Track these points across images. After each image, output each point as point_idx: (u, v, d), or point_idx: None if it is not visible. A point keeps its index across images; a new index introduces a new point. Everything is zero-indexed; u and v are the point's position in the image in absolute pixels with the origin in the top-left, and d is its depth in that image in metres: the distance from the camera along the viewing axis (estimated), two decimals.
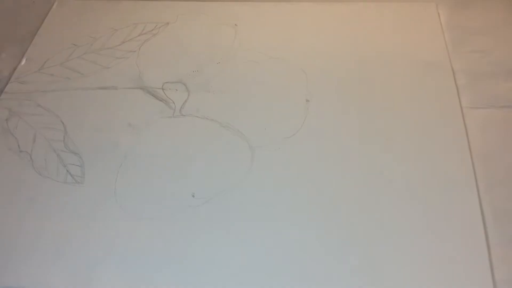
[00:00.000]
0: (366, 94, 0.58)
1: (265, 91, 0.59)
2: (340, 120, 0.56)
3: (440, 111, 0.56)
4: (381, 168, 0.52)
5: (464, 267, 0.44)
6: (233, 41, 0.65)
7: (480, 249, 0.45)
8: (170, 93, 0.60)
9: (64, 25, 0.69)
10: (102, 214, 0.50)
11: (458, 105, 0.56)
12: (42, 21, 0.70)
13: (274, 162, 0.53)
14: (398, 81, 0.59)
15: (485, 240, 0.46)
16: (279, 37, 0.65)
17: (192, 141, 0.55)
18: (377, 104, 0.57)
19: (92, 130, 0.57)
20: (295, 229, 0.48)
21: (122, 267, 0.46)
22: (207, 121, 0.57)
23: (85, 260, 0.47)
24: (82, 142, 0.56)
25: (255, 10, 0.69)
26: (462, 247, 0.46)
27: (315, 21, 0.67)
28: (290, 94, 0.59)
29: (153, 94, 0.60)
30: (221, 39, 0.65)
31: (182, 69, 0.62)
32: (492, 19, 0.65)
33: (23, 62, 0.65)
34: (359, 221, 0.48)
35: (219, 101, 0.59)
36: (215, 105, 0.58)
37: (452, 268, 0.45)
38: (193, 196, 0.51)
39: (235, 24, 0.67)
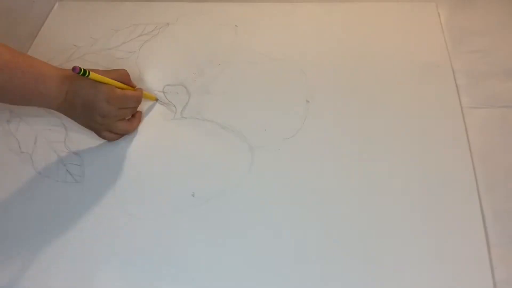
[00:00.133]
0: (366, 94, 0.58)
1: (265, 92, 0.59)
2: (340, 121, 0.56)
3: (440, 111, 0.55)
4: (381, 168, 0.51)
5: (464, 267, 0.44)
6: (233, 41, 0.65)
7: (480, 249, 0.45)
8: (171, 96, 0.60)
9: (65, 26, 0.69)
10: (102, 214, 0.50)
11: (458, 105, 0.56)
12: (43, 22, 0.70)
13: (274, 163, 0.53)
14: (398, 81, 0.59)
15: (485, 240, 0.46)
16: (279, 37, 0.65)
17: (192, 142, 0.55)
18: (377, 104, 0.57)
19: (93, 131, 0.57)
20: (295, 229, 0.48)
21: (122, 267, 0.47)
22: (208, 123, 0.57)
23: (85, 260, 0.47)
24: (82, 142, 0.56)
25: (255, 10, 0.69)
26: (462, 247, 0.46)
27: (315, 21, 0.67)
28: (290, 94, 0.59)
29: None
30: (221, 40, 0.65)
31: (182, 71, 0.62)
32: (492, 19, 0.65)
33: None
34: (359, 221, 0.48)
35: (219, 103, 0.59)
36: (216, 106, 0.58)
37: (452, 268, 0.44)
38: (193, 196, 0.51)
39: (235, 25, 0.67)
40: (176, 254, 0.47)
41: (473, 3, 0.67)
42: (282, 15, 0.68)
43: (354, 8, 0.68)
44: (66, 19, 0.70)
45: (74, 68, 0.47)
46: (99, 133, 0.54)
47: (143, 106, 0.59)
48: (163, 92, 0.60)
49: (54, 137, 0.57)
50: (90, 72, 0.48)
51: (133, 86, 0.55)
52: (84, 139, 0.56)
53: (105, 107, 0.50)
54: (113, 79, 0.51)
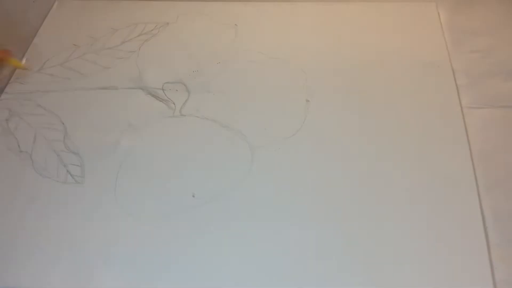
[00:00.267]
0: (366, 94, 0.58)
1: (265, 91, 0.59)
2: (340, 120, 0.56)
3: (440, 111, 0.56)
4: (381, 168, 0.52)
5: (464, 267, 0.44)
6: (233, 41, 0.65)
7: (480, 249, 0.45)
8: (170, 93, 0.60)
9: (64, 25, 0.69)
10: (102, 214, 0.50)
11: (458, 105, 0.56)
12: (42, 21, 0.70)
13: (274, 162, 0.53)
14: (398, 81, 0.59)
15: (485, 240, 0.46)
16: (279, 37, 0.65)
17: (192, 141, 0.55)
18: (377, 104, 0.57)
19: (92, 130, 0.57)
20: (295, 229, 0.48)
21: (122, 267, 0.46)
22: (207, 121, 0.57)
23: (85, 260, 0.47)
24: (82, 142, 0.55)
25: (255, 10, 0.69)
26: (462, 247, 0.46)
27: (315, 21, 0.67)
28: (290, 94, 0.59)
29: (153, 94, 0.60)
30: (221, 39, 0.65)
31: (182, 69, 0.62)
32: (492, 19, 0.65)
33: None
34: (359, 221, 0.48)
35: (219, 101, 0.59)
36: (215, 105, 0.58)
37: (452, 268, 0.45)
38: (193, 196, 0.51)
39: (235, 24, 0.67)
40: (176, 254, 0.47)
41: (473, 3, 0.67)
42: (282, 15, 0.68)
43: (354, 8, 0.68)
44: (65, 18, 0.70)
45: None
46: None
47: (142, 105, 0.58)
48: (162, 89, 0.60)
49: (54, 136, 0.57)
50: None
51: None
52: (84, 138, 0.56)
53: None
54: None
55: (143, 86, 0.61)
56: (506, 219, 0.47)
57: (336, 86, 0.59)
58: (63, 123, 0.58)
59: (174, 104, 0.59)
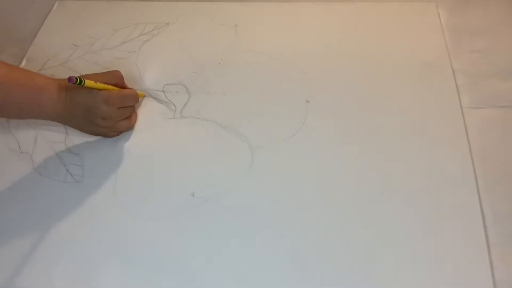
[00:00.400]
0: (366, 94, 0.58)
1: (265, 91, 0.59)
2: (340, 120, 0.56)
3: (440, 111, 0.56)
4: (381, 168, 0.52)
5: (464, 267, 0.44)
6: (233, 41, 0.65)
7: (480, 249, 0.45)
8: (171, 95, 0.60)
9: (65, 25, 0.69)
10: (102, 214, 0.50)
11: (458, 105, 0.56)
12: (42, 22, 0.70)
13: (274, 162, 0.53)
14: (398, 81, 0.59)
15: (485, 240, 0.46)
16: (279, 37, 0.65)
17: (192, 142, 0.55)
18: (377, 104, 0.57)
19: (98, 136, 0.57)
20: (295, 229, 0.48)
21: (122, 267, 0.46)
22: (208, 122, 0.57)
23: (85, 260, 0.47)
24: (82, 142, 0.55)
25: (255, 10, 0.69)
26: (462, 247, 0.46)
27: (315, 21, 0.67)
28: (290, 94, 0.59)
29: (153, 97, 0.60)
30: (221, 39, 0.65)
31: (182, 70, 0.62)
32: (492, 19, 0.65)
33: (24, 62, 0.65)
34: (359, 221, 0.48)
35: (219, 102, 0.59)
36: (216, 106, 0.58)
37: (452, 268, 0.45)
38: (193, 196, 0.51)
39: (235, 25, 0.67)
40: (176, 254, 0.47)
41: (473, 3, 0.67)
42: (282, 15, 0.68)
43: (354, 8, 0.68)
44: (65, 19, 0.70)
45: (70, 79, 0.47)
46: (105, 135, 0.55)
47: (143, 106, 0.59)
48: (163, 91, 0.60)
49: (54, 137, 0.57)
50: (85, 80, 0.48)
51: (127, 86, 0.56)
52: (84, 139, 0.56)
53: (105, 109, 0.51)
54: (108, 81, 0.52)
55: (143, 88, 0.61)
56: (506, 219, 0.47)
57: (336, 86, 0.59)
58: (63, 124, 0.58)
59: (174, 106, 0.59)
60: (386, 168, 0.51)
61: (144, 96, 0.60)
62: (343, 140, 0.54)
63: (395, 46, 0.62)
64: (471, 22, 0.65)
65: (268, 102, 0.58)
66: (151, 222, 0.49)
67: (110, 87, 0.52)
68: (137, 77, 0.62)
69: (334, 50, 0.63)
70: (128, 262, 0.47)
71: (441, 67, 0.60)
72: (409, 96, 0.57)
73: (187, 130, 0.57)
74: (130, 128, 0.56)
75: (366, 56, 0.62)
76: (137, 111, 0.58)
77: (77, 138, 0.56)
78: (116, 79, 0.54)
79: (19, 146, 0.56)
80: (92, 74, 0.52)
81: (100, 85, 0.50)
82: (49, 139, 0.56)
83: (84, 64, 0.64)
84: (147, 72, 0.62)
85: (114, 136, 0.56)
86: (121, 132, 0.56)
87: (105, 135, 0.55)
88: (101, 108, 0.50)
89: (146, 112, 0.59)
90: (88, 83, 0.49)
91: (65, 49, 0.66)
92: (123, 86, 0.55)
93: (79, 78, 0.48)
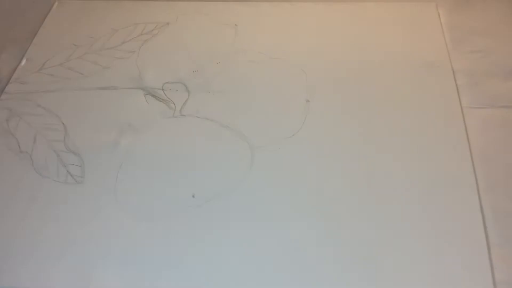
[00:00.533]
0: (366, 94, 0.58)
1: (265, 91, 0.59)
2: (340, 120, 0.56)
3: (440, 111, 0.56)
4: (381, 168, 0.52)
5: (464, 267, 0.44)
6: (233, 41, 0.65)
7: (480, 249, 0.45)
8: (170, 94, 0.60)
9: (64, 25, 0.69)
10: (102, 214, 0.50)
11: (458, 105, 0.56)
12: (42, 21, 0.70)
13: (274, 162, 0.53)
14: (398, 81, 0.59)
15: (485, 240, 0.46)
16: (279, 37, 0.65)
17: (192, 142, 0.55)
18: (377, 104, 0.57)
19: (92, 130, 0.57)
20: (295, 229, 0.48)
21: (122, 267, 0.46)
22: (207, 121, 0.57)
23: (85, 260, 0.47)
24: (82, 142, 0.55)
25: (255, 10, 0.69)
26: (462, 247, 0.46)
27: (315, 21, 0.67)
28: (290, 94, 0.59)
29: (153, 95, 0.60)
30: (221, 39, 0.65)
31: (182, 69, 0.62)
32: (492, 19, 0.65)
33: (23, 62, 0.65)
34: (359, 221, 0.48)
35: (219, 101, 0.59)
36: (215, 105, 0.58)
37: (452, 268, 0.44)
38: (193, 196, 0.51)
39: (235, 24, 0.67)
40: (176, 254, 0.47)
41: (473, 3, 0.67)
42: (282, 15, 0.68)
43: (354, 8, 0.68)
44: (65, 19, 0.70)
45: None
46: None
47: (142, 105, 0.58)
48: (162, 89, 0.60)
49: (54, 136, 0.57)
50: None
51: None
52: (84, 138, 0.56)
53: None
54: None
55: (143, 86, 0.61)
56: (506, 219, 0.47)
57: (336, 86, 0.59)
58: (63, 123, 0.58)
59: (174, 104, 0.59)
60: (386, 167, 0.51)
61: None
62: (343, 140, 0.54)
63: (395, 46, 0.62)
64: (471, 22, 0.65)
65: (268, 101, 0.58)
66: (151, 222, 0.49)
67: None
68: (137, 76, 0.62)
69: (334, 50, 0.63)
70: (128, 262, 0.47)
71: (441, 67, 0.60)
72: (409, 96, 0.57)
73: (187, 129, 0.57)
74: None
75: (366, 56, 0.62)
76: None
77: (77, 138, 0.56)
78: None
79: (19, 146, 0.56)
80: None
81: None
82: (49, 138, 0.56)
83: (84, 63, 0.64)
84: (147, 71, 0.62)
85: None
86: None
87: None
88: None
89: (145, 111, 0.58)
90: None
91: (65, 48, 0.66)
92: None
93: None
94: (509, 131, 0.54)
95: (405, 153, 0.52)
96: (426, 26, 0.64)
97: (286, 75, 0.61)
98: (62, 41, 0.66)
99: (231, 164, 0.53)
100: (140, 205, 0.51)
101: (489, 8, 0.66)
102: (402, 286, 0.44)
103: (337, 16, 0.67)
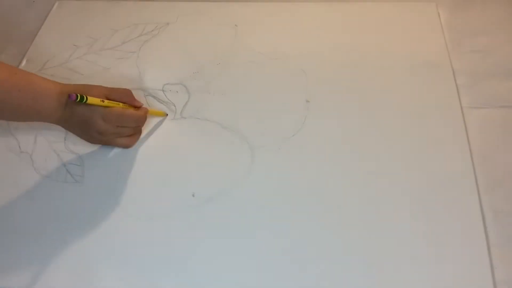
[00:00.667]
0: (366, 94, 0.58)
1: (265, 91, 0.59)
2: (340, 120, 0.56)
3: (440, 111, 0.56)
4: (381, 168, 0.52)
5: (464, 267, 0.44)
6: (233, 41, 0.65)
7: (480, 249, 0.45)
8: (171, 95, 0.60)
9: (64, 26, 0.69)
10: (102, 214, 0.50)
11: (458, 105, 0.56)
12: (42, 22, 0.70)
13: (274, 162, 0.53)
14: (398, 81, 0.59)
15: (485, 240, 0.46)
16: (279, 37, 0.65)
17: (193, 142, 0.55)
18: (377, 104, 0.57)
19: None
20: (295, 229, 0.48)
21: (122, 267, 0.46)
22: (208, 122, 0.57)
23: (85, 260, 0.47)
24: (82, 142, 0.55)
25: (255, 10, 0.69)
26: (462, 247, 0.46)
27: (315, 21, 0.67)
28: (290, 94, 0.59)
29: (153, 96, 0.60)
30: (221, 39, 0.65)
31: (182, 70, 0.62)
32: (492, 19, 0.65)
33: (24, 62, 0.65)
34: (359, 221, 0.48)
35: (219, 102, 0.59)
36: (216, 106, 0.58)
37: (452, 268, 0.44)
38: (193, 196, 0.51)
39: (235, 25, 0.67)
40: (176, 254, 0.47)
41: (473, 3, 0.67)
42: (282, 15, 0.68)
43: (354, 8, 0.68)
44: (65, 19, 0.70)
45: (70, 96, 0.46)
46: (103, 144, 0.55)
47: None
48: (163, 91, 0.60)
49: (54, 137, 0.57)
50: (87, 97, 0.47)
51: (137, 105, 0.54)
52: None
53: (102, 125, 0.50)
54: (115, 98, 0.51)
55: (143, 87, 0.61)
56: (506, 219, 0.47)
57: (336, 86, 0.59)
58: None
59: (175, 106, 0.59)
60: (386, 168, 0.51)
61: (166, 115, 0.58)
62: (343, 140, 0.54)
63: (395, 46, 0.62)
64: (471, 22, 0.65)
65: (268, 102, 0.58)
66: (151, 222, 0.49)
67: (114, 103, 0.51)
68: (137, 77, 0.62)
69: (334, 50, 0.63)
70: (128, 263, 0.47)
71: (441, 67, 0.60)
72: (409, 96, 0.57)
73: (187, 129, 0.57)
74: (127, 147, 0.55)
75: (366, 56, 0.62)
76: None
77: (77, 138, 0.56)
78: (124, 97, 0.52)
79: (19, 146, 0.56)
80: (100, 87, 0.51)
81: (103, 103, 0.49)
82: (49, 139, 0.56)
83: (84, 64, 0.64)
84: (147, 72, 0.62)
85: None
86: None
87: (103, 143, 0.54)
88: (98, 123, 0.50)
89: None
90: (91, 100, 0.48)
91: (65, 49, 0.66)
92: (132, 105, 0.54)
93: (80, 95, 0.47)
94: (509, 131, 0.54)
95: (405, 153, 0.52)
96: (426, 26, 0.64)
97: (286, 75, 0.61)
98: (62, 42, 0.67)
99: (231, 164, 0.53)
100: (140, 205, 0.51)
101: (489, 8, 0.66)
102: (402, 286, 0.44)
103: (337, 16, 0.67)
